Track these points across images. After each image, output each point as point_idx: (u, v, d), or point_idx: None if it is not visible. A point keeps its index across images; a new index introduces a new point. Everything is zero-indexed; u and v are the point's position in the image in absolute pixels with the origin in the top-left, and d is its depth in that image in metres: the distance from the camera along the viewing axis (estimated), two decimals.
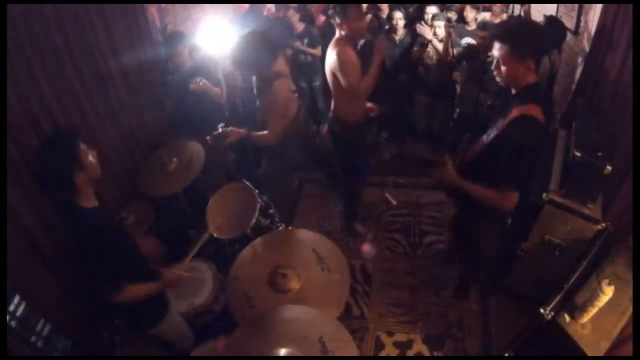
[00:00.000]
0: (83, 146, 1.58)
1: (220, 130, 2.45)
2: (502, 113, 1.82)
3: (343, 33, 2.48)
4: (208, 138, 2.53)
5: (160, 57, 3.00)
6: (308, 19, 4.32)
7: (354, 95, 2.58)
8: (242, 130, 2.52)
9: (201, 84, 2.78)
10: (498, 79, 1.84)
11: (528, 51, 1.67)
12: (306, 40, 4.09)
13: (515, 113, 1.69)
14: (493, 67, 1.78)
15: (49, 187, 1.63)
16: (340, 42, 2.52)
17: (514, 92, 1.81)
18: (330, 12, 2.59)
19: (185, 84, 2.82)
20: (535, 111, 1.66)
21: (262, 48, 2.38)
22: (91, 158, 1.60)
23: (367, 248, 3.13)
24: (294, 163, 3.19)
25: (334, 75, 2.56)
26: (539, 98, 1.73)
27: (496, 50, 1.72)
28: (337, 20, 2.46)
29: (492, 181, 1.77)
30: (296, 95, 2.78)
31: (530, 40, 1.68)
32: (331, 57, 2.52)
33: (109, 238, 1.60)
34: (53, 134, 1.68)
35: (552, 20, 2.83)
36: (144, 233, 2.38)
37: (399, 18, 3.70)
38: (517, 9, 4.07)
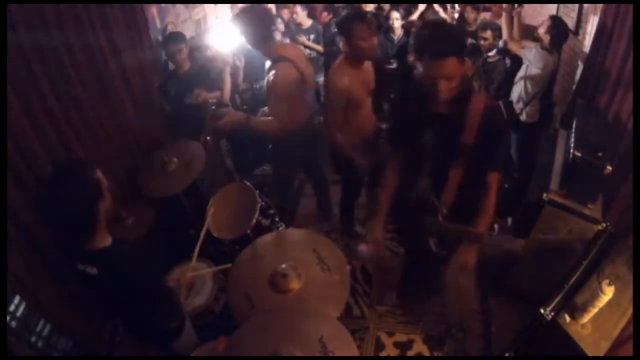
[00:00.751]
0: (99, 173, 1.45)
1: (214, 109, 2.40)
2: None
3: (348, 53, 2.34)
4: (208, 138, 2.54)
5: (160, 58, 3.00)
6: (311, 17, 4.38)
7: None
8: (241, 113, 2.47)
9: (199, 99, 2.81)
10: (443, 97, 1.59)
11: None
12: (312, 36, 4.13)
13: (477, 106, 1.64)
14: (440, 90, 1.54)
15: (64, 227, 1.48)
16: (343, 64, 2.38)
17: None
18: (335, 29, 2.55)
19: (182, 90, 2.82)
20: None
21: (259, 21, 2.35)
22: (107, 192, 1.46)
23: (364, 247, 3.12)
24: (301, 162, 3.05)
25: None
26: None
27: (434, 69, 1.50)
28: (342, 38, 2.33)
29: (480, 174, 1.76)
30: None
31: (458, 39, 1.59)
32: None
33: (144, 269, 1.52)
34: (69, 164, 1.55)
35: (555, 20, 2.83)
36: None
37: (396, 18, 3.72)
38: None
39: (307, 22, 4.18)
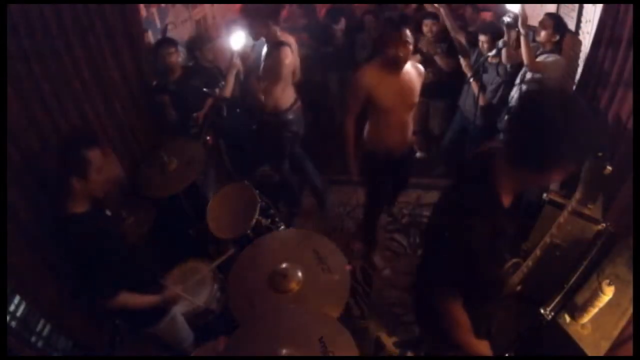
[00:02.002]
0: (96, 159, 1.53)
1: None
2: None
3: (380, 55, 2.34)
4: (208, 138, 2.54)
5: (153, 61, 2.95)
6: (310, 10, 4.37)
7: None
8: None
9: (199, 121, 2.87)
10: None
11: None
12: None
13: None
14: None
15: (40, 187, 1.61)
16: (374, 64, 2.38)
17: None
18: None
19: (175, 95, 2.81)
20: None
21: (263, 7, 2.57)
22: (97, 175, 1.55)
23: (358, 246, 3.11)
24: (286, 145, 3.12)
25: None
26: None
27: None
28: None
29: None
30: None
31: None
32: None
33: (95, 244, 1.58)
34: (70, 135, 1.66)
35: (555, 17, 2.80)
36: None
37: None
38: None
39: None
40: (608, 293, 1.63)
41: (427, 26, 3.46)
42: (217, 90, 3.04)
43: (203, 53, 3.30)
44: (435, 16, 3.40)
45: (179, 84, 2.87)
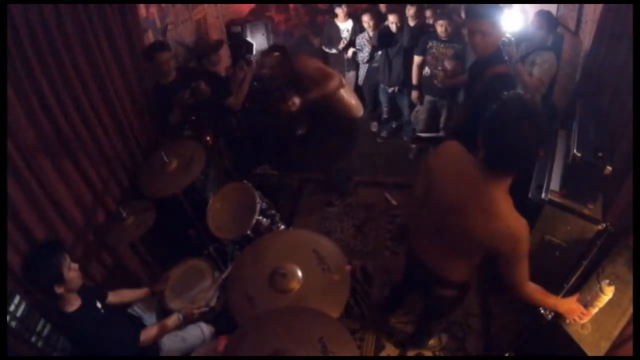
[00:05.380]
0: (66, 261, 1.65)
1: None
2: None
3: None
4: (208, 138, 2.53)
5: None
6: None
7: None
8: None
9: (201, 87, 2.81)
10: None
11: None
12: None
13: (495, 70, 2.03)
14: (472, 40, 2.13)
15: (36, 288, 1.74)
16: None
17: None
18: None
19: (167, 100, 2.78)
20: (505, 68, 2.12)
21: None
22: (72, 273, 1.66)
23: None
24: None
25: None
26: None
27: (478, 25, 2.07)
28: None
29: None
30: None
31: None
32: None
33: (99, 333, 1.72)
34: (40, 248, 1.74)
35: (544, 14, 2.82)
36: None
37: (394, 19, 3.73)
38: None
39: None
40: (608, 293, 1.63)
41: (442, 26, 3.42)
42: (230, 99, 3.04)
43: (210, 60, 3.29)
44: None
45: (173, 85, 2.83)
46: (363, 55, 4.18)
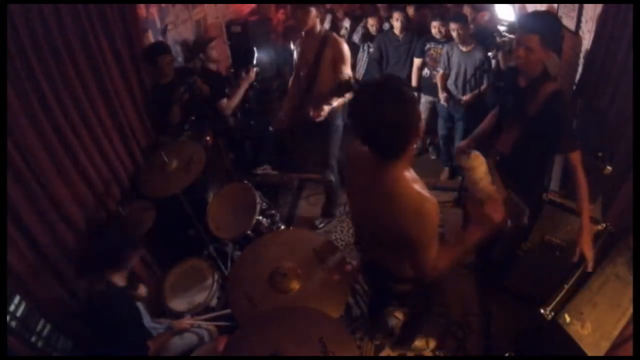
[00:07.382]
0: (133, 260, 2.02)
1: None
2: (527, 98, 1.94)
3: None
4: (208, 138, 2.53)
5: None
6: None
7: None
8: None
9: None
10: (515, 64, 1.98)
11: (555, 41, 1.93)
12: None
13: (547, 89, 1.88)
14: (516, 53, 1.88)
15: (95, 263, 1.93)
16: None
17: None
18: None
19: (165, 101, 2.78)
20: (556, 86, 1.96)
21: None
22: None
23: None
24: None
25: None
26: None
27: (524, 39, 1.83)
28: None
29: (545, 153, 2.04)
30: None
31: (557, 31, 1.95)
32: None
33: (125, 311, 1.88)
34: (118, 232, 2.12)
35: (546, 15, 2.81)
36: None
37: (397, 19, 3.74)
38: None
39: None
40: (472, 162, 1.62)
41: (436, 28, 3.52)
42: (223, 101, 3.05)
43: (207, 54, 3.29)
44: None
45: (172, 84, 2.83)
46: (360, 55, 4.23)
